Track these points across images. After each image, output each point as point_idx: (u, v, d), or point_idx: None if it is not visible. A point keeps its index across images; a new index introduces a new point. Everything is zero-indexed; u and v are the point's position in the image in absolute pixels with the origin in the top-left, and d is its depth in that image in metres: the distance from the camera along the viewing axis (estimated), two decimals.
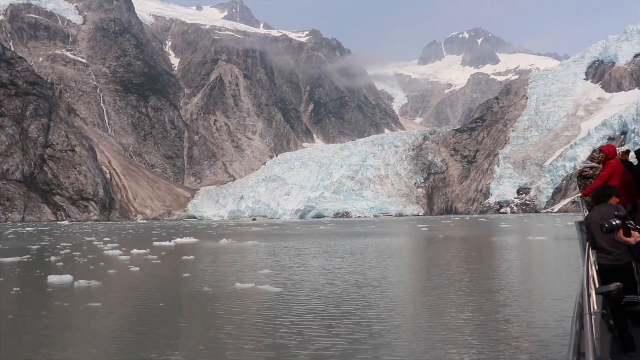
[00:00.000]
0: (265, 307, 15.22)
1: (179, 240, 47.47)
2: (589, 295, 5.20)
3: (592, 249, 6.35)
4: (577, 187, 9.61)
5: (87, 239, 54.26)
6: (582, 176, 9.32)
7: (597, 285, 5.57)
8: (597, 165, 9.01)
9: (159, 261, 28.82)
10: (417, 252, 35.05)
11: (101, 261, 28.70)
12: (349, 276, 21.41)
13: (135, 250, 33.94)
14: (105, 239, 53.77)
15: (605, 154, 8.28)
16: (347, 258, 29.16)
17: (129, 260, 28.63)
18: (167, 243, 42.65)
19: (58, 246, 40.45)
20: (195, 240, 48.96)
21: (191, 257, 30.67)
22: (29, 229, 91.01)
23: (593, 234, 6.19)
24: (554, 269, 24.55)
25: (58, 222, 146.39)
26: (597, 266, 6.26)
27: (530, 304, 15.20)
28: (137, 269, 24.82)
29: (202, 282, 20.18)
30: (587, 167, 9.29)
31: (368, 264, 25.86)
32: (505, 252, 32.41)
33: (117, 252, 33.59)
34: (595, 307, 5.27)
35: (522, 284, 19.30)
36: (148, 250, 34.99)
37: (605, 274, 6.08)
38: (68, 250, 35.75)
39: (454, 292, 17.49)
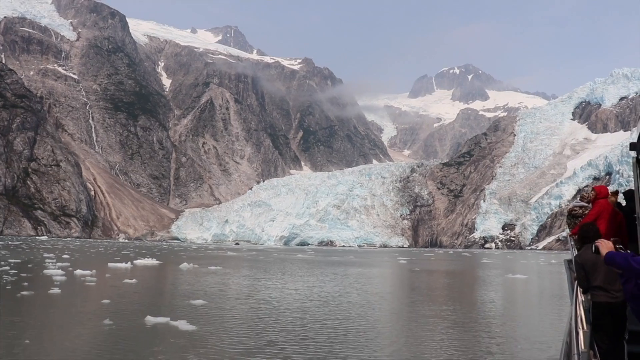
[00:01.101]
0: (157, 350, 12.46)
1: (139, 261, 45.14)
2: (577, 335, 5.15)
3: (583, 289, 6.25)
4: (567, 226, 9.52)
5: (45, 255, 52.27)
6: (571, 215, 9.34)
7: (584, 325, 5.36)
8: (586, 204, 9.11)
9: (93, 284, 27.07)
10: (384, 286, 33.13)
11: (25, 281, 25.88)
12: (287, 314, 18.65)
13: (79, 271, 31.94)
14: (64, 256, 51.84)
15: (595, 193, 8.45)
16: (302, 292, 26.50)
17: (58, 282, 26.42)
18: (124, 264, 40.21)
19: (2, 263, 38.01)
20: (157, 262, 46.63)
21: (133, 280, 28.75)
22: None
23: (587, 273, 6.10)
24: (534, 309, 23.18)
25: (37, 237, 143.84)
26: (590, 305, 6.14)
27: (510, 348, 13.97)
28: (57, 290, 22.69)
29: (110, 313, 17.33)
30: (576, 206, 9.34)
31: (320, 302, 22.51)
32: (482, 291, 30.85)
33: (58, 271, 31.13)
34: (583, 347, 5.03)
35: (500, 325, 17.67)
36: (94, 271, 32.91)
37: (600, 313, 5.96)
38: (7, 267, 33.61)
39: (396, 339, 14.97)
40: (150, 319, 15.97)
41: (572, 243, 8.59)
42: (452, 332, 16.02)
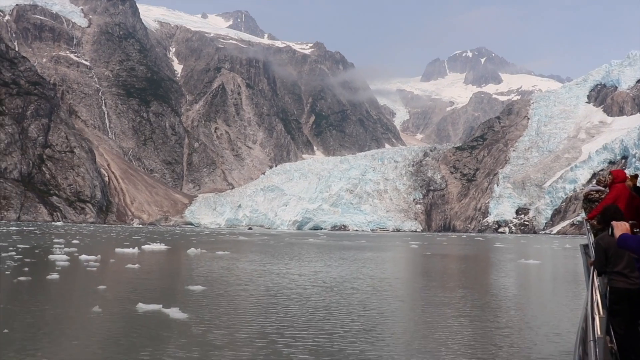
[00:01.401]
0: (136, 342, 11.75)
1: (148, 247, 44.87)
2: (593, 320, 5.15)
3: (601, 273, 6.22)
4: (583, 210, 9.53)
5: (56, 240, 52.30)
6: (587, 199, 9.33)
7: (600, 310, 5.35)
8: (603, 188, 9.09)
9: (95, 269, 26.62)
10: (392, 271, 32.01)
11: (26, 267, 25.66)
12: (286, 301, 18.03)
13: (84, 256, 31.69)
14: (74, 241, 51.86)
15: (612, 177, 8.38)
16: (306, 277, 25.77)
17: (60, 267, 26.28)
18: (131, 250, 39.91)
19: (10, 248, 37.84)
20: (166, 247, 46.17)
21: (136, 266, 28.22)
22: (13, 228, 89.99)
23: (609, 258, 6.04)
24: (548, 296, 22.41)
25: (53, 222, 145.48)
26: (608, 290, 6.16)
27: (523, 339, 13.31)
28: (55, 276, 22.26)
29: (102, 299, 17.00)
30: (593, 191, 9.32)
31: (323, 288, 21.94)
32: (494, 276, 30.05)
33: (63, 257, 31.07)
34: (599, 333, 4.99)
35: (513, 313, 17.14)
36: (99, 256, 32.76)
37: (618, 298, 5.97)
38: (13, 253, 33.39)
39: (403, 326, 14.75)
40: (142, 306, 15.39)
41: (588, 227, 8.53)
42: (462, 321, 15.38)
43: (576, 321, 14.61)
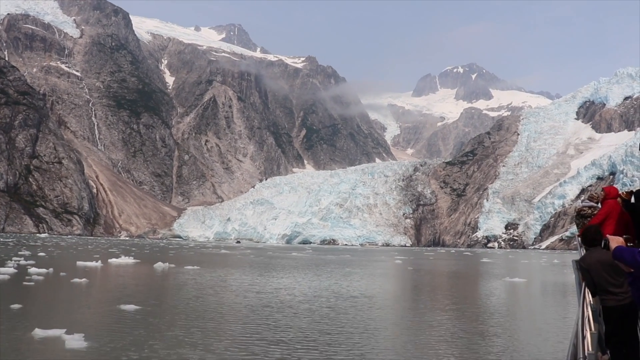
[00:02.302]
0: None
1: (114, 260, 42.86)
2: (584, 337, 5.06)
3: (591, 292, 6.20)
4: (575, 226, 9.62)
5: (21, 252, 50.24)
6: (580, 215, 9.37)
7: (592, 326, 5.25)
8: (595, 204, 9.17)
9: (32, 284, 24.86)
10: (365, 288, 29.41)
11: None
12: (220, 323, 16.41)
13: (35, 269, 30.13)
14: (40, 254, 50.07)
15: (605, 194, 8.43)
16: (263, 296, 23.70)
17: None
18: (94, 264, 37.87)
19: None
20: (134, 261, 43.77)
21: (83, 280, 26.57)
22: None
23: (593, 278, 6.04)
24: (532, 322, 19.69)
25: (38, 234, 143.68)
26: (599, 309, 6.09)
27: None
28: None
29: (1, 320, 15.16)
30: (585, 207, 9.37)
31: (272, 309, 19.78)
32: (474, 297, 27.55)
33: (10, 269, 29.75)
34: (591, 349, 4.89)
35: (494, 341, 15.19)
36: (51, 270, 30.94)
37: (610, 316, 5.90)
38: None
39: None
40: (38, 333, 13.22)
41: (580, 243, 8.43)
42: (434, 350, 13.69)
43: (561, 347, 14.11)
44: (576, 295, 7.69)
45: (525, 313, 22.44)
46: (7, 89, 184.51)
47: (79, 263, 38.47)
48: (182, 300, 21.61)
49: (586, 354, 4.75)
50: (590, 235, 6.38)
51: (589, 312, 5.57)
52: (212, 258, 59.33)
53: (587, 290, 6.18)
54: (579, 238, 8.45)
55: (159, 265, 39.46)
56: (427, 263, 62.28)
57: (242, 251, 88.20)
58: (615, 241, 5.23)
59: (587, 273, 6.13)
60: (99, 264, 38.51)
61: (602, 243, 5.40)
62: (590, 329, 5.15)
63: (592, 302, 6.03)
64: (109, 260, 43.15)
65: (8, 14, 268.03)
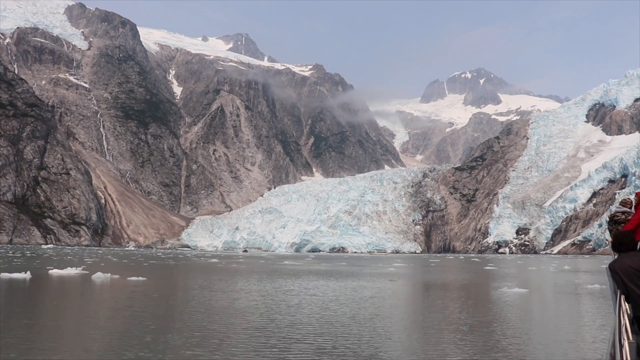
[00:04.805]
0: None
1: (56, 271, 38.16)
2: (622, 346, 4.92)
3: (625, 298, 5.94)
4: (608, 232, 9.35)
5: None
6: (613, 221, 9.14)
7: (630, 335, 5.14)
8: (628, 210, 8.98)
9: None
10: (323, 304, 23.18)
11: None
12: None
13: None
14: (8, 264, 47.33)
15: (638, 199, 8.26)
16: (163, 315, 19.58)
17: None
18: (21, 275, 33.71)
19: None
20: (79, 272, 38.81)
21: None
22: None
23: (625, 284, 5.85)
24: (524, 347, 14.42)
25: (43, 245, 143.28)
26: (632, 318, 5.81)
27: None
28: None
29: None
30: (618, 212, 9.15)
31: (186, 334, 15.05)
32: (455, 313, 21.44)
33: None
34: (629, 358, 4.79)
35: None
36: None
37: None
38: None
39: None
40: None
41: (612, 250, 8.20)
42: None
43: None
44: (611, 304, 7.27)
45: (512, 339, 15.46)
46: (15, 102, 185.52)
47: (3, 274, 34.04)
48: (75, 320, 17.83)
49: None
50: (623, 242, 6.21)
51: (625, 321, 5.30)
52: (185, 268, 54.09)
53: (622, 297, 5.91)
54: (611, 245, 8.28)
55: (98, 276, 35.11)
56: (422, 272, 56.04)
57: (236, 259, 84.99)
58: None
59: (619, 277, 5.92)
60: (27, 275, 33.96)
61: (638, 246, 5.27)
62: (629, 338, 4.87)
63: (628, 310, 5.75)
64: (50, 271, 38.95)
65: (17, 27, 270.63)
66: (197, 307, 21.33)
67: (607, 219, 9.54)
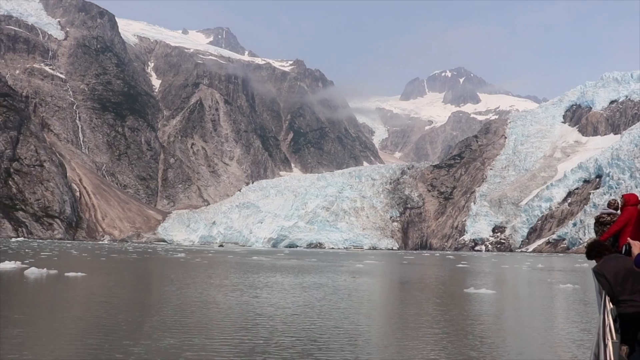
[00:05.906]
0: None
1: None
2: (605, 346, 5.07)
3: (611, 300, 6.22)
4: (595, 233, 9.66)
5: None
6: (599, 222, 9.37)
7: (613, 335, 5.32)
8: (614, 211, 9.23)
9: None
10: (276, 300, 22.82)
11: None
12: None
13: None
14: None
15: (624, 200, 8.42)
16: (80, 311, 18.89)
17: None
18: None
19: None
20: (15, 267, 36.77)
21: None
22: None
23: (610, 285, 6.08)
24: None
25: (13, 239, 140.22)
26: (616, 316, 6.08)
27: None
28: None
29: None
30: (604, 214, 9.36)
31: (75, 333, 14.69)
32: (409, 316, 19.70)
33: None
34: (612, 358, 4.95)
35: None
36: None
37: (629, 323, 5.91)
38: None
39: None
40: None
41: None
42: None
43: None
44: (596, 306, 7.36)
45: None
46: None
47: None
48: None
49: None
50: (593, 249, 6.58)
51: (609, 321, 5.46)
52: (141, 263, 52.01)
53: (607, 299, 6.07)
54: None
55: (32, 271, 33.03)
56: (390, 270, 53.85)
57: (204, 254, 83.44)
58: (638, 246, 5.29)
59: (604, 279, 6.09)
60: None
61: (624, 248, 5.57)
62: (612, 338, 5.02)
63: (612, 310, 5.93)
64: None
65: None
66: (119, 305, 20.20)
67: (594, 220, 9.74)
